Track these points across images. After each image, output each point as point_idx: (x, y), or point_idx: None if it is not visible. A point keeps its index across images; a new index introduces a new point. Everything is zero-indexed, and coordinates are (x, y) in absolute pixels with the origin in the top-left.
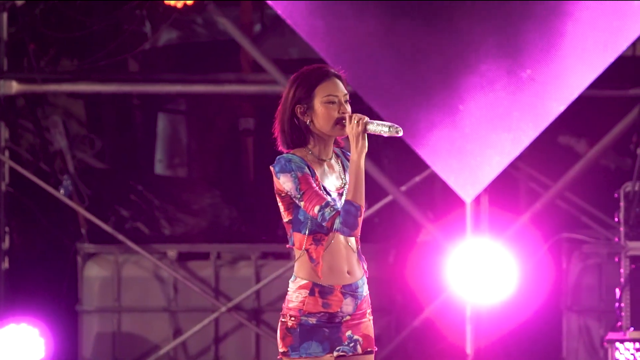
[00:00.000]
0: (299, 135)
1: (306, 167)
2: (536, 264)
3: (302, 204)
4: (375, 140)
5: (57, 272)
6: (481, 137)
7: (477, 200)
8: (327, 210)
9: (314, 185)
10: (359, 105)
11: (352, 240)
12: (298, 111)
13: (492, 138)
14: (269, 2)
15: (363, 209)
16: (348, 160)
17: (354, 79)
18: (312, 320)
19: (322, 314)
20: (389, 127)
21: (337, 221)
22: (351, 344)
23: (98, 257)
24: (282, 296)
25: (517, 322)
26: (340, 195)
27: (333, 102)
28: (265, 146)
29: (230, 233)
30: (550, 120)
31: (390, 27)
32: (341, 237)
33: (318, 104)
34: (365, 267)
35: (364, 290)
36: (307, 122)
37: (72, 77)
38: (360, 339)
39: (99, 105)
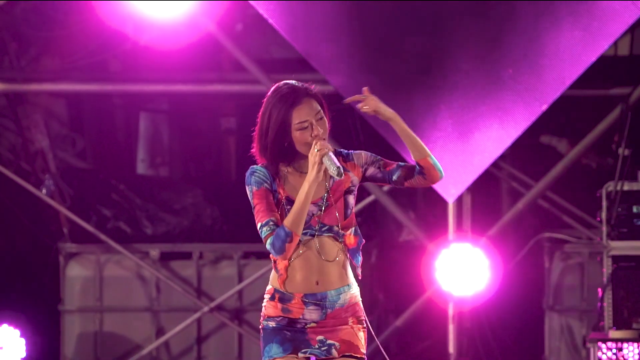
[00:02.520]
0: (281, 152)
1: (267, 182)
2: (518, 264)
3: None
4: (356, 139)
5: (38, 272)
6: (463, 137)
7: (459, 200)
8: (265, 228)
9: (268, 201)
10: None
11: (332, 251)
12: (276, 135)
13: (474, 138)
14: (251, 1)
15: (296, 236)
16: (340, 163)
17: (335, 78)
18: (272, 324)
19: (281, 318)
20: (337, 168)
21: (269, 241)
22: (323, 348)
23: (80, 256)
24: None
25: (499, 322)
26: (318, 207)
27: (305, 128)
28: (247, 145)
29: (212, 232)
30: (532, 120)
31: (372, 27)
32: (312, 247)
33: (293, 130)
34: (351, 278)
35: (341, 300)
36: (285, 144)
37: (54, 76)
38: (337, 344)
39: (81, 105)
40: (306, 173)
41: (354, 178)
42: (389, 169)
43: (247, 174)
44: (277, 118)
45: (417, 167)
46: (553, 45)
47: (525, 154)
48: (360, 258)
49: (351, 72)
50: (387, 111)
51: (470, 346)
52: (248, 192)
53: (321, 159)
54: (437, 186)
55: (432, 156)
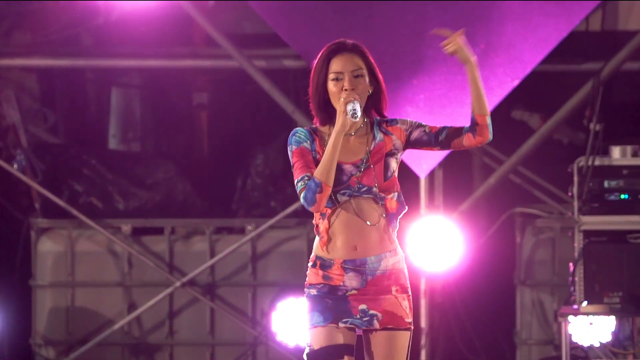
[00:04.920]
0: (321, 107)
1: (306, 142)
2: (490, 239)
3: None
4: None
5: (10, 247)
6: (435, 112)
7: (431, 175)
8: (300, 183)
9: (306, 159)
10: None
11: (372, 214)
12: (316, 86)
13: (446, 112)
14: None
15: (325, 186)
16: (384, 127)
17: (308, 54)
18: (313, 292)
19: (322, 285)
20: (352, 110)
21: (302, 195)
22: (365, 318)
23: (51, 231)
24: (236, 271)
25: (471, 297)
26: (357, 168)
27: (338, 79)
28: (219, 120)
29: (185, 207)
30: (504, 95)
31: (345, 2)
32: (350, 208)
33: (328, 81)
34: (393, 244)
35: (382, 266)
36: (326, 98)
37: (25, 51)
38: (379, 314)
39: (52, 80)
40: (348, 135)
41: (397, 142)
42: (434, 131)
43: (290, 134)
44: (317, 68)
45: (471, 122)
46: (525, 20)
47: (497, 129)
48: (396, 225)
49: (323, 46)
50: (465, 55)
51: (442, 321)
52: (289, 152)
53: (345, 106)
54: (408, 161)
55: (489, 117)
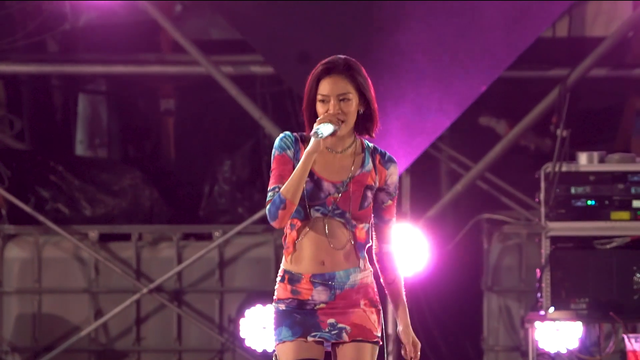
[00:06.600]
0: (311, 121)
1: (289, 150)
2: (457, 245)
3: None
4: (295, 121)
5: None
6: (402, 118)
7: (399, 181)
8: (270, 193)
9: (284, 167)
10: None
11: (341, 238)
12: (307, 103)
13: (414, 119)
14: None
15: (290, 204)
16: (376, 160)
17: (276, 60)
18: (282, 307)
19: (290, 300)
20: (318, 129)
21: (267, 207)
22: (334, 332)
23: (18, 238)
24: (204, 277)
25: (438, 303)
26: (337, 189)
27: (323, 101)
28: (186, 127)
29: (151, 214)
30: (471, 101)
31: (313, 8)
32: (321, 227)
33: (317, 101)
34: (361, 262)
35: (350, 280)
36: (315, 113)
37: None
38: (348, 327)
39: (19, 86)
40: (334, 152)
41: (377, 182)
42: (383, 213)
43: (278, 137)
44: (308, 86)
45: (379, 257)
46: (492, 26)
47: (464, 135)
48: (365, 255)
49: (294, 55)
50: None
51: None
52: (272, 156)
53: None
54: None
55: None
